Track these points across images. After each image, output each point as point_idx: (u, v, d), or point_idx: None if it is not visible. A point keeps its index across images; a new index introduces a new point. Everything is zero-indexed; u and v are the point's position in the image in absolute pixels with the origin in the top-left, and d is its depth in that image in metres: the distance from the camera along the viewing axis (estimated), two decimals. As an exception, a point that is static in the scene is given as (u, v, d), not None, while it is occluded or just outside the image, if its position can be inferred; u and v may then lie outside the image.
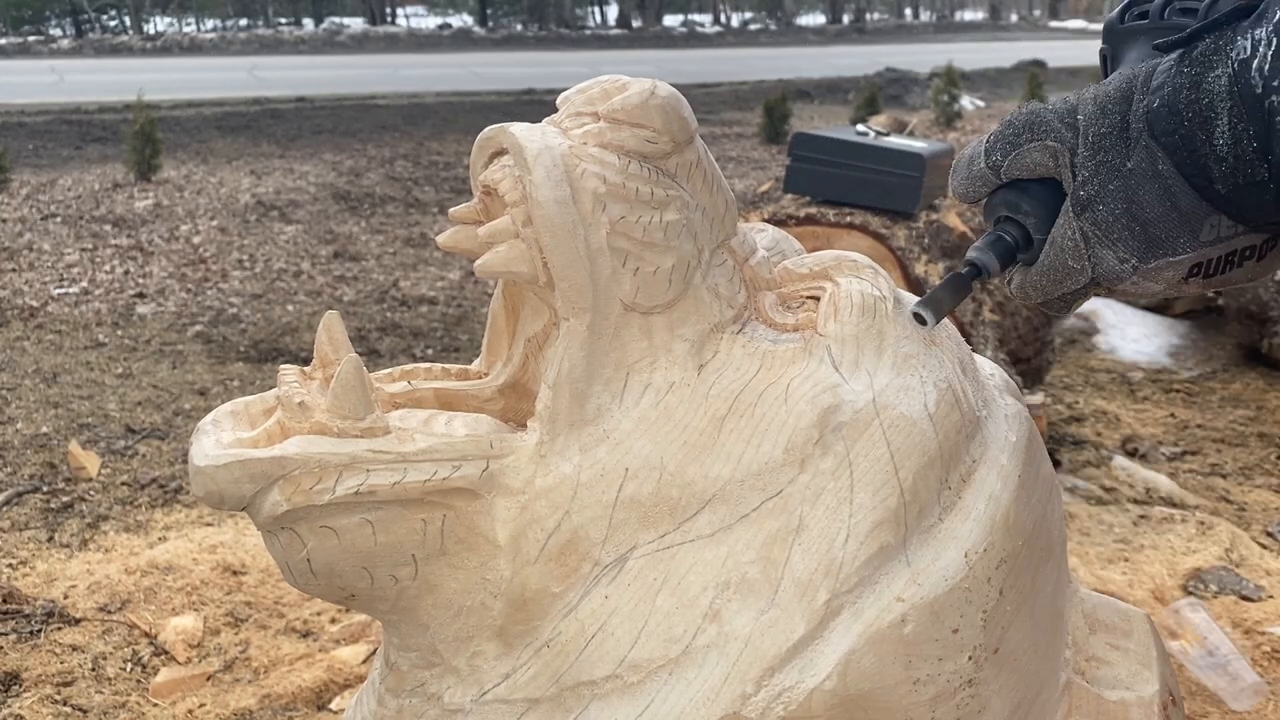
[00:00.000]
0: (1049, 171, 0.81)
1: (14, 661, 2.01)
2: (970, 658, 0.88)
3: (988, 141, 0.83)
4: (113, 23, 34.95)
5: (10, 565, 2.40)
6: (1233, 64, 0.69)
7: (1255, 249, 0.80)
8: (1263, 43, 0.68)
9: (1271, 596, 2.23)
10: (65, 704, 1.90)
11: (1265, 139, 0.69)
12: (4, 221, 6.13)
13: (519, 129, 0.86)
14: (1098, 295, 0.83)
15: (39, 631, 2.11)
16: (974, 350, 1.11)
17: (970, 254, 0.86)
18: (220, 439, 0.85)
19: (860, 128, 2.77)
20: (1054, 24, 40.98)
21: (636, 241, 0.86)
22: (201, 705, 1.91)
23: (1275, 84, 0.67)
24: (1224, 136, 0.70)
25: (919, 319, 0.88)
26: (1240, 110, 0.69)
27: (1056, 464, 2.86)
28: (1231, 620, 2.13)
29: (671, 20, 40.54)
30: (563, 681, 0.87)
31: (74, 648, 2.06)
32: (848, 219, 2.58)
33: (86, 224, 6.10)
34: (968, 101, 12.20)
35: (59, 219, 6.22)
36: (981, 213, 0.88)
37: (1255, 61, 0.68)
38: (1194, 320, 4.15)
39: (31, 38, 29.17)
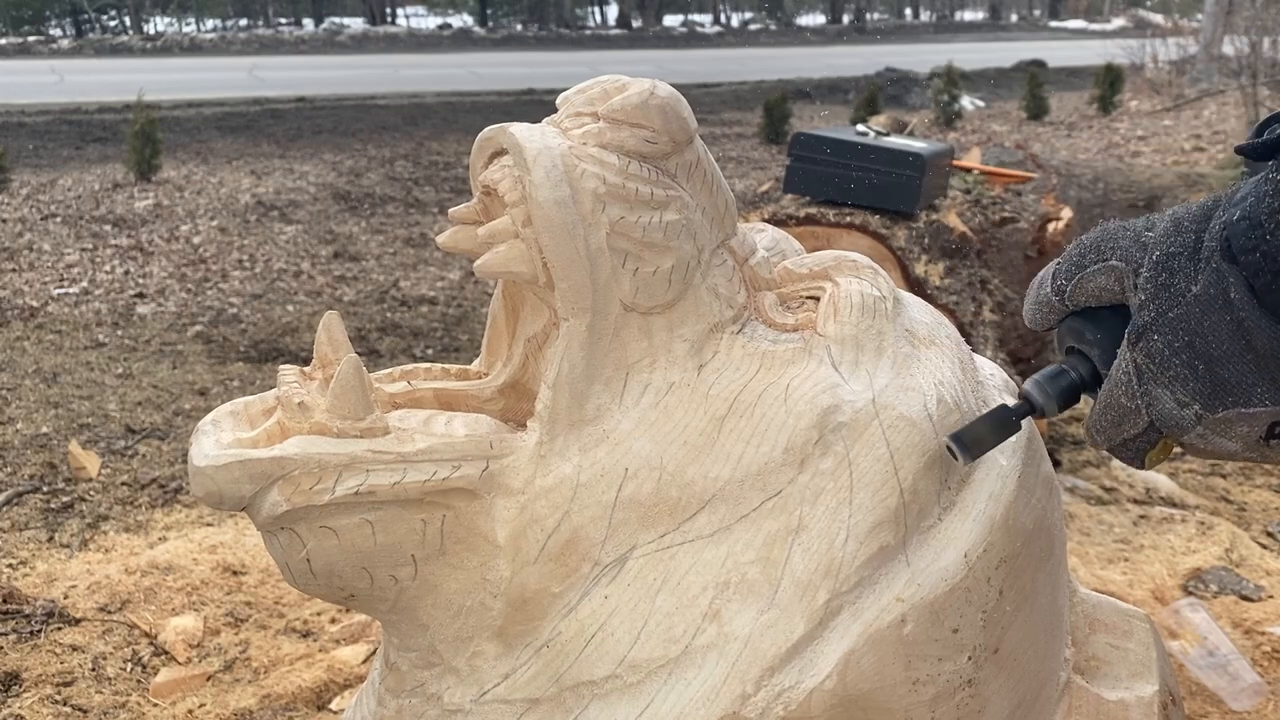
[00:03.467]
0: (1115, 297, 0.71)
1: (14, 661, 2.01)
2: (970, 658, 0.88)
3: (1057, 263, 0.74)
4: (113, 23, 34.96)
5: (10, 565, 2.40)
6: None
7: None
8: None
9: (1271, 596, 2.23)
10: (65, 704, 1.90)
11: None
12: (4, 221, 6.13)
13: (519, 129, 0.86)
14: (1190, 450, 0.70)
15: (39, 631, 2.11)
16: (974, 350, 1.10)
17: (1026, 385, 0.77)
18: (220, 439, 0.85)
19: (860, 128, 2.76)
20: (1054, 24, 41.00)
21: (636, 242, 0.86)
22: (201, 705, 1.91)
23: None
24: None
25: (951, 453, 0.79)
26: None
27: (1056, 464, 2.86)
28: (1231, 620, 2.13)
29: (671, 20, 40.56)
30: (563, 681, 0.87)
31: (74, 648, 2.06)
32: (848, 219, 2.57)
33: (86, 224, 6.10)
34: (968, 101, 12.21)
35: (59, 219, 6.22)
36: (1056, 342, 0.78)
37: None
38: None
39: (31, 38, 29.17)
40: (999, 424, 0.79)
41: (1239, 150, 0.66)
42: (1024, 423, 0.97)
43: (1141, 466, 0.74)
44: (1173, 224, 0.67)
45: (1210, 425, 0.66)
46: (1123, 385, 0.69)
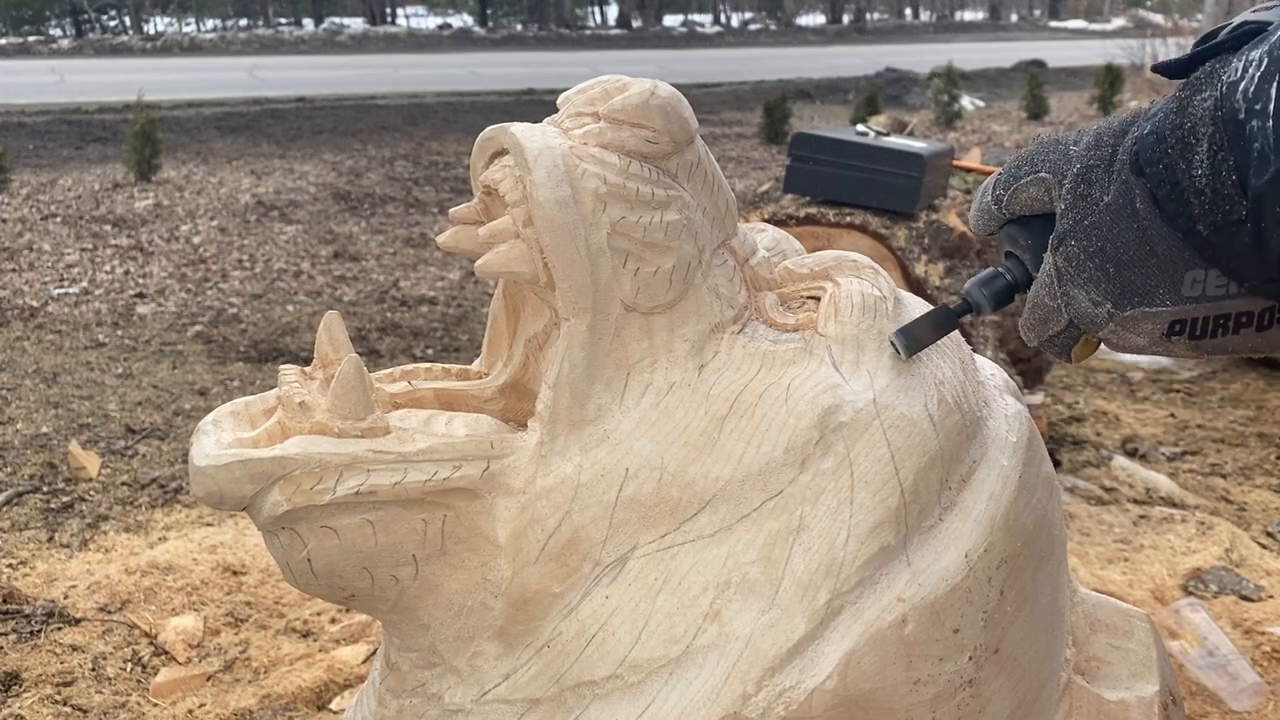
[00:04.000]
0: (1044, 206, 0.77)
1: (14, 661, 2.01)
2: (971, 658, 0.88)
3: (998, 174, 0.80)
4: (113, 23, 34.98)
5: (10, 565, 2.40)
6: (1221, 86, 0.63)
7: (1253, 316, 0.71)
8: (1254, 64, 0.61)
9: (1271, 596, 2.23)
10: (65, 704, 1.90)
11: (1244, 169, 0.61)
12: (4, 221, 6.13)
13: (519, 129, 0.86)
14: (1108, 344, 0.77)
15: (39, 631, 2.11)
16: (974, 350, 1.11)
17: (965, 287, 0.83)
18: (220, 439, 0.85)
19: (860, 128, 2.76)
20: (1054, 24, 41.01)
21: (637, 242, 0.86)
22: (201, 705, 1.91)
23: (1258, 107, 0.60)
24: (1202, 166, 0.63)
25: (894, 348, 0.85)
26: (1221, 137, 0.62)
27: (1056, 464, 2.86)
28: (1231, 620, 2.13)
29: (671, 20, 40.59)
30: (563, 681, 0.87)
31: (74, 648, 2.06)
32: (848, 219, 2.57)
33: (86, 224, 6.10)
34: (968, 101, 12.21)
35: (59, 219, 6.22)
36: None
37: (1242, 84, 0.61)
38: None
39: (31, 38, 29.18)
40: (939, 321, 0.85)
41: (1154, 69, 0.71)
42: (1024, 424, 0.97)
43: (1069, 360, 0.80)
44: (1094, 138, 0.72)
45: (1120, 322, 0.72)
46: (1046, 286, 0.75)
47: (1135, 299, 0.70)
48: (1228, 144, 0.62)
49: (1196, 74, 0.66)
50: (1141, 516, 2.59)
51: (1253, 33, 0.65)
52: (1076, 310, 0.74)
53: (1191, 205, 0.65)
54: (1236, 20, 0.68)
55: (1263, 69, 0.61)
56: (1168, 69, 0.69)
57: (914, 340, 0.86)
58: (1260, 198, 0.61)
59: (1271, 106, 0.60)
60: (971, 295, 0.83)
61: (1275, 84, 0.60)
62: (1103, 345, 0.78)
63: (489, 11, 38.20)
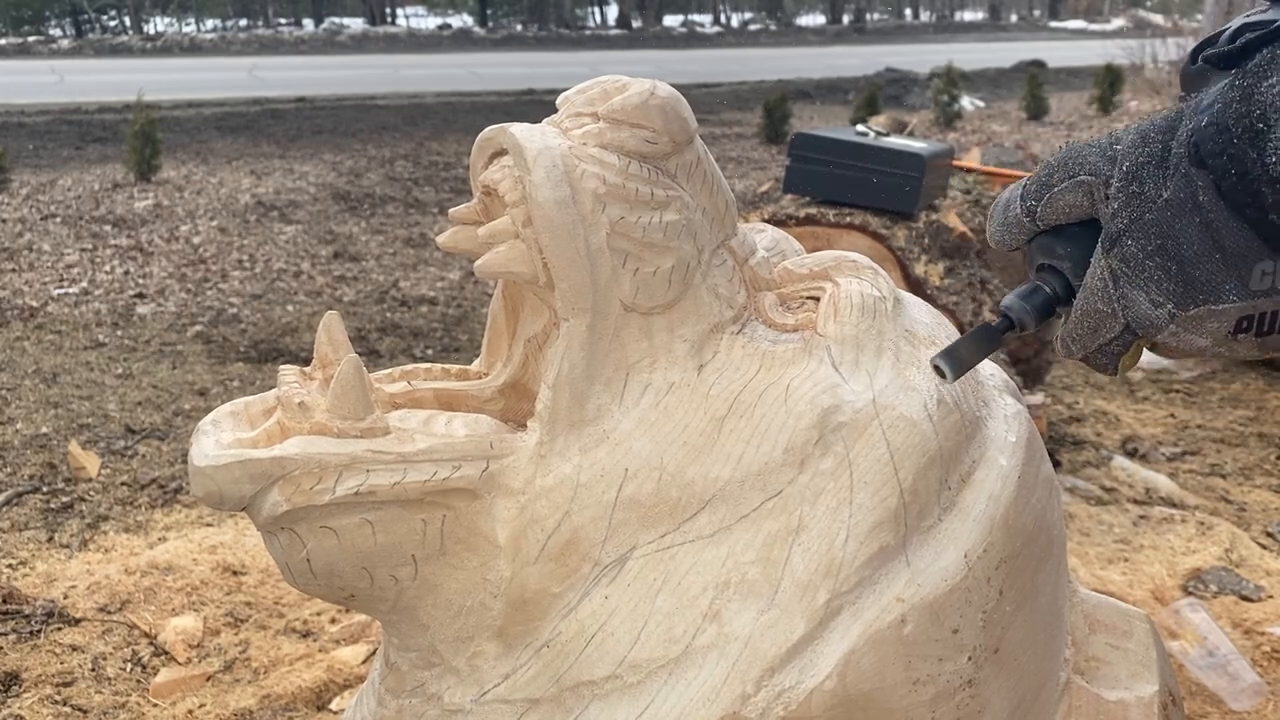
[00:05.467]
0: (1085, 212, 0.74)
1: (14, 661, 2.01)
2: (970, 658, 0.88)
3: (1025, 184, 0.77)
4: (113, 23, 34.99)
5: (10, 565, 2.40)
6: None
7: None
8: None
9: (1271, 596, 2.23)
10: (65, 704, 1.90)
11: None
12: (4, 221, 6.13)
13: (519, 129, 0.86)
14: (1151, 351, 0.74)
15: (39, 631, 2.11)
16: (974, 350, 1.10)
17: (1004, 302, 0.79)
18: (220, 439, 0.85)
19: (860, 128, 2.76)
20: (1054, 24, 41.01)
21: (636, 242, 0.86)
22: (201, 705, 1.91)
23: None
24: (1276, 154, 0.61)
25: (938, 371, 0.80)
26: None
27: (1056, 464, 2.86)
28: (1231, 620, 2.13)
29: (671, 20, 40.60)
30: (563, 682, 0.87)
31: (74, 648, 2.06)
32: (848, 219, 2.57)
33: (86, 224, 6.10)
34: (968, 102, 12.21)
35: (59, 219, 6.22)
36: (1025, 261, 0.81)
37: None
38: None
39: (31, 38, 29.19)
40: (982, 340, 0.81)
41: (1206, 59, 0.68)
42: (1024, 424, 0.97)
43: (1115, 373, 0.76)
44: (1139, 137, 0.70)
45: (1182, 323, 0.69)
46: (1099, 291, 0.72)
47: (1200, 296, 0.67)
48: None
49: (1255, 61, 0.64)
50: (1141, 516, 2.59)
51: (1266, 35, 0.64)
52: (1135, 313, 0.70)
53: (1263, 195, 0.63)
54: (1235, 24, 0.67)
55: None
56: (1220, 60, 0.67)
57: (959, 362, 0.81)
58: None
59: None
60: (1013, 311, 0.78)
61: None
62: (1146, 353, 0.75)
63: (489, 11, 38.21)
